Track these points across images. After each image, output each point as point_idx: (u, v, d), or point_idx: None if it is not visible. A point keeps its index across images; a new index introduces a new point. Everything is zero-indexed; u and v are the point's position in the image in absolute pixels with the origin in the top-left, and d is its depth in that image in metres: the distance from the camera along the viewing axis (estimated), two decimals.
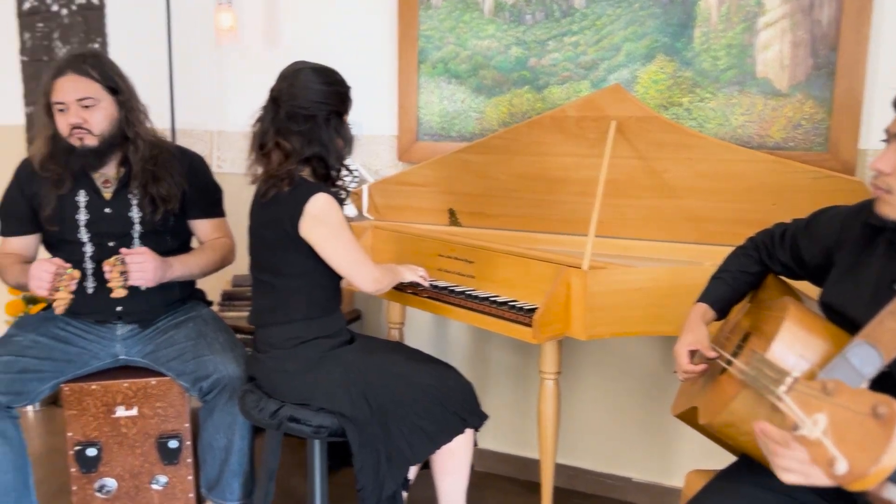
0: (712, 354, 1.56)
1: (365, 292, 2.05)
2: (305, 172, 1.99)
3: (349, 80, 2.05)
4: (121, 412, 2.23)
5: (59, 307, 2.01)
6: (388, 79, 2.78)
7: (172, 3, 2.94)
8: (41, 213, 2.17)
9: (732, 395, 1.37)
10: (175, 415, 2.26)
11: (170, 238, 2.27)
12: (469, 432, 2.04)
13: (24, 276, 2.09)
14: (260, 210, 2.02)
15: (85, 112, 2.11)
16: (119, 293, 2.05)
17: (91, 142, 2.12)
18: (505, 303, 2.12)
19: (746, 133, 2.30)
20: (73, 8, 3.26)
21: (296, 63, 2.01)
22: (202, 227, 2.35)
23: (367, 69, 2.79)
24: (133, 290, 2.20)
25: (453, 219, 2.65)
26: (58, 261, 2.03)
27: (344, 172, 2.09)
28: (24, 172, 2.22)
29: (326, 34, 2.88)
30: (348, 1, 2.82)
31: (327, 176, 2.03)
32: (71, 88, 2.09)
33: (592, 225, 2.09)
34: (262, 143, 2.00)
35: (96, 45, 3.24)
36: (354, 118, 2.13)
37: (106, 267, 2.04)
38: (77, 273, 2.03)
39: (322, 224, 1.92)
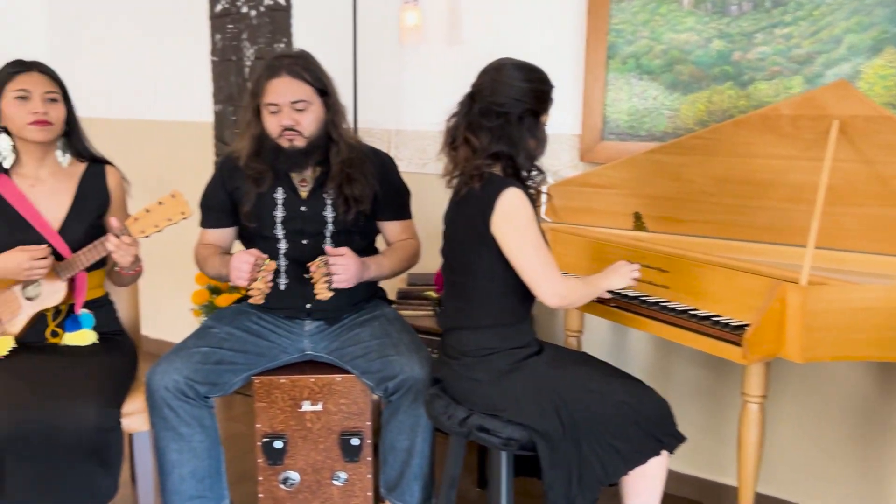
0: None
1: (547, 305, 1.92)
2: (495, 169, 1.94)
3: None
4: (306, 407, 2.26)
5: (257, 297, 2.08)
6: (572, 75, 2.67)
7: (359, 1, 2.96)
8: (241, 208, 2.24)
9: None
10: (357, 412, 2.27)
11: (358, 238, 2.28)
12: (664, 454, 1.91)
13: (224, 268, 2.16)
14: (454, 209, 1.98)
15: (297, 114, 2.14)
16: (324, 295, 2.08)
17: (300, 143, 2.16)
18: (707, 317, 1.97)
19: None
20: (262, 9, 3.37)
21: (500, 59, 1.96)
22: (391, 229, 2.35)
23: (550, 66, 2.65)
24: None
25: (638, 223, 2.50)
26: (256, 252, 2.09)
27: (535, 173, 2.01)
28: (227, 167, 2.28)
29: (509, 30, 2.81)
30: None
31: (517, 175, 1.97)
32: (285, 91, 2.12)
33: (812, 235, 1.89)
34: (453, 138, 1.96)
35: (282, 45, 3.34)
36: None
37: (312, 268, 2.08)
38: (274, 264, 2.09)
39: (512, 220, 1.85)
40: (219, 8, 3.51)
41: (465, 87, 2.91)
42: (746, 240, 2.29)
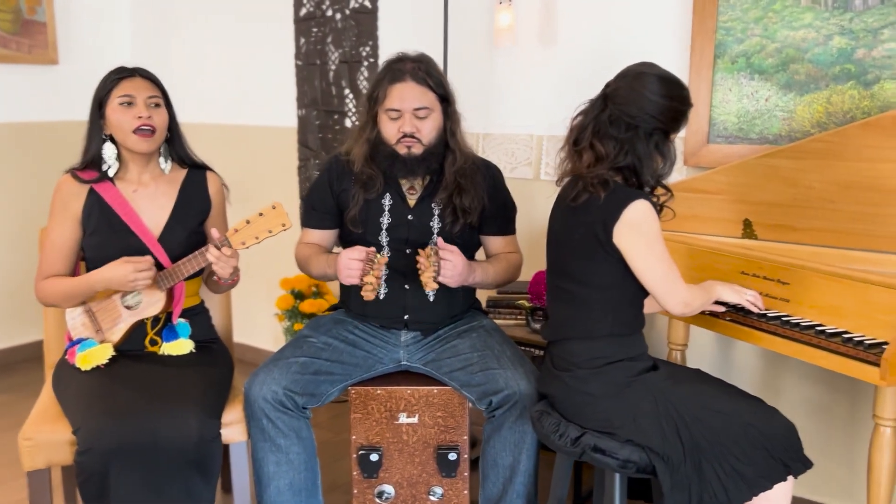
0: None
1: (671, 313, 1.88)
2: (617, 179, 1.85)
3: None
4: (403, 419, 2.20)
5: (368, 293, 2.01)
6: (677, 75, 2.55)
7: (451, 4, 2.89)
8: (346, 211, 2.19)
9: None
10: (455, 426, 2.20)
11: (461, 251, 2.21)
12: (790, 479, 1.79)
13: (330, 268, 2.13)
14: (567, 213, 1.89)
15: (418, 121, 2.09)
16: (430, 286, 2.00)
17: (417, 150, 2.11)
18: (836, 334, 1.84)
19: None
20: (347, 12, 3.34)
21: (643, 64, 1.86)
22: (495, 244, 2.28)
23: None
24: (420, 300, 2.17)
25: (748, 231, 2.37)
26: (363, 248, 2.03)
27: (660, 190, 1.92)
28: (336, 168, 2.24)
29: (607, 29, 2.70)
30: None
31: (639, 189, 1.87)
32: (410, 96, 2.07)
33: None
34: (578, 139, 1.88)
35: (367, 49, 3.30)
36: None
37: (421, 257, 2.00)
38: (385, 258, 2.03)
39: (638, 232, 1.78)
40: (303, 12, 3.50)
41: (558, 89, 2.85)
42: (868, 249, 2.14)
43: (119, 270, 2.00)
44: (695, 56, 2.48)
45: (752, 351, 2.54)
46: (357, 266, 2.00)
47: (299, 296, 3.48)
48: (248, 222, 2.00)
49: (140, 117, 2.05)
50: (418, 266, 2.02)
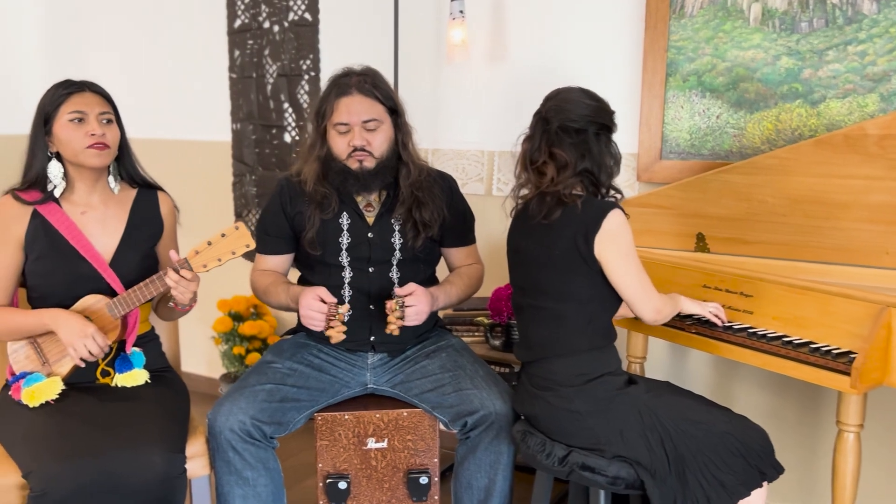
0: None
1: (644, 321, 1.92)
2: (578, 189, 1.87)
3: None
4: (372, 444, 2.14)
5: (335, 340, 2.00)
6: (628, 93, 2.60)
7: (401, 19, 2.85)
8: (303, 234, 2.11)
9: None
10: (425, 449, 2.15)
11: (423, 266, 2.18)
12: (765, 485, 1.84)
13: (292, 302, 2.06)
14: (541, 231, 1.89)
15: (368, 134, 2.04)
16: (395, 331, 2.01)
17: (370, 164, 2.06)
18: (803, 344, 1.90)
19: None
20: (286, 24, 3.25)
21: (559, 87, 1.94)
22: (456, 255, 2.25)
23: (604, 82, 2.60)
24: (386, 321, 2.13)
25: (701, 244, 2.44)
26: (325, 293, 1.98)
27: (613, 192, 1.96)
28: (288, 191, 2.16)
29: (558, 46, 2.73)
30: (585, 12, 2.67)
31: (597, 195, 1.91)
32: (358, 110, 2.03)
33: None
34: (534, 159, 1.91)
35: (308, 63, 3.22)
36: None
37: (387, 308, 2.00)
38: (347, 307, 2.00)
39: (617, 242, 1.81)
40: (238, 23, 3.38)
41: (509, 105, 2.85)
42: (815, 261, 2.24)
43: (78, 327, 1.87)
44: (647, 74, 2.53)
45: (705, 361, 2.61)
46: (320, 318, 1.98)
47: (238, 318, 3.35)
48: (209, 244, 1.90)
49: (93, 135, 1.92)
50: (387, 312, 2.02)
